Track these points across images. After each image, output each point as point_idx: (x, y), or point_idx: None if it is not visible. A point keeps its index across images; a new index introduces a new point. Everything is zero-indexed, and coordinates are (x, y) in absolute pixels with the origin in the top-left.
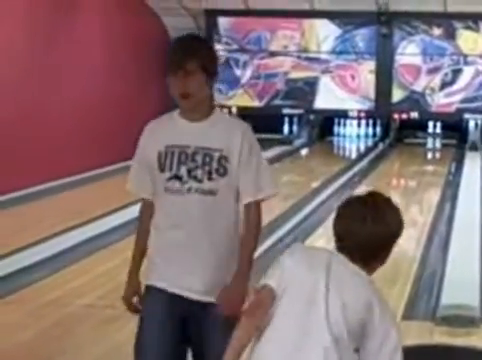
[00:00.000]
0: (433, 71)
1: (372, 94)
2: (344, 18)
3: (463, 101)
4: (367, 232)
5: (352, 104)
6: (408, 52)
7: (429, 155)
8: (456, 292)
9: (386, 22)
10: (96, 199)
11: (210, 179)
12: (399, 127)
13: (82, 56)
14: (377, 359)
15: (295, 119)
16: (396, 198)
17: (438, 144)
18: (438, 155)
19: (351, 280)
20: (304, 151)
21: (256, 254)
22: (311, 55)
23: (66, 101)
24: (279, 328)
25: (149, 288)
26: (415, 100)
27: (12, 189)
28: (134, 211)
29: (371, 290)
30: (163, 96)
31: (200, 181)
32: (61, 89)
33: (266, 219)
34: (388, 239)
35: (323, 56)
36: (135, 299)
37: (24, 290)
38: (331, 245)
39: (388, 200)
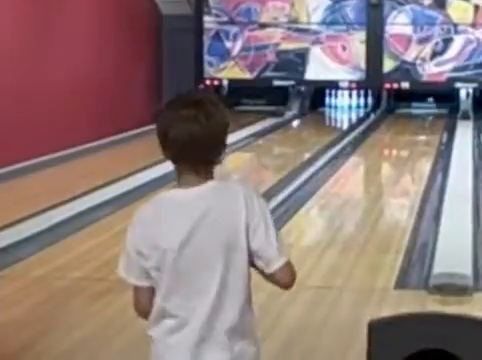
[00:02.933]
0: (424, 41)
1: (363, 65)
2: None
3: (454, 70)
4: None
5: (343, 75)
6: (398, 22)
7: (421, 125)
8: (448, 261)
9: None
10: (83, 175)
11: None
12: (389, 97)
13: (70, 33)
14: None
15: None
16: (388, 168)
17: (430, 114)
18: (430, 125)
19: None
20: (296, 122)
21: None
22: (301, 26)
23: (54, 79)
24: None
25: None
26: (406, 70)
27: None
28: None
29: None
30: (151, 73)
31: None
32: (50, 67)
33: (258, 191)
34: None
35: (313, 27)
36: None
37: (14, 266)
38: (325, 214)
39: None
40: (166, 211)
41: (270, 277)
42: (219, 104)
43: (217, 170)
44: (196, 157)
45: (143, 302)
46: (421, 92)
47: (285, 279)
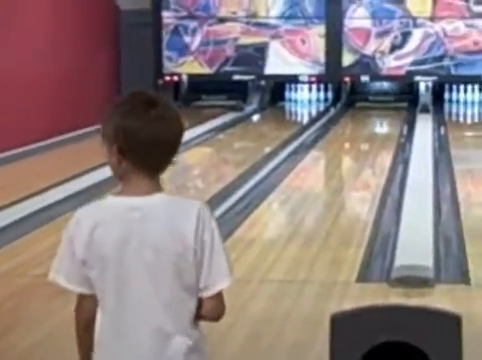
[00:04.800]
0: (383, 34)
1: (322, 58)
2: None
3: (413, 64)
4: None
5: (303, 69)
6: (357, 16)
7: (380, 118)
8: (410, 253)
9: None
10: (40, 172)
11: None
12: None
13: (25, 25)
14: None
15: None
16: (349, 162)
17: (389, 107)
18: (389, 118)
19: None
20: (256, 117)
21: None
22: (260, 20)
23: (9, 70)
24: None
25: None
26: (365, 63)
27: None
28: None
29: None
30: (109, 68)
31: None
32: (2, 61)
33: (219, 186)
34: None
35: (272, 21)
36: None
37: None
38: (286, 208)
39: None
40: (106, 220)
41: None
42: (174, 107)
43: (175, 167)
44: (158, 162)
45: (87, 311)
46: (380, 85)
47: (216, 311)
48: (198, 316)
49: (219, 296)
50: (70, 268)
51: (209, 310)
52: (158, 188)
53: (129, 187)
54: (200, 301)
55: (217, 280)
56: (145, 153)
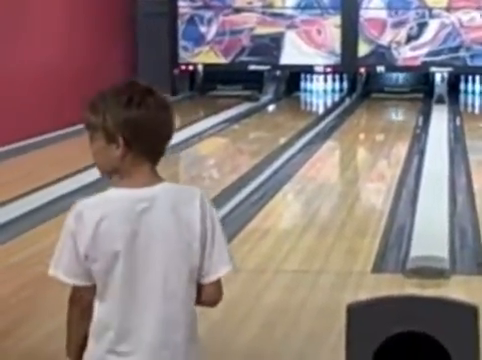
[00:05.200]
0: (398, 25)
1: (338, 49)
2: None
3: (429, 54)
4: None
5: (318, 59)
6: (373, 6)
7: (396, 109)
8: (425, 244)
9: None
10: (55, 162)
11: None
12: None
13: (42, 19)
14: None
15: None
16: (364, 152)
17: (405, 98)
18: (405, 109)
19: None
20: (271, 107)
21: (224, 212)
22: (276, 10)
23: (25, 65)
24: None
25: None
26: (381, 54)
27: None
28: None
29: None
30: (125, 58)
31: None
32: (20, 52)
33: (234, 176)
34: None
35: (288, 11)
36: None
37: None
38: (301, 198)
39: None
40: (112, 213)
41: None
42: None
43: (190, 157)
44: (160, 151)
45: (87, 301)
46: (396, 76)
47: (215, 296)
48: (197, 302)
49: (219, 282)
50: (70, 262)
51: (209, 296)
52: (159, 177)
53: (131, 179)
54: (199, 287)
55: (219, 266)
56: (151, 143)
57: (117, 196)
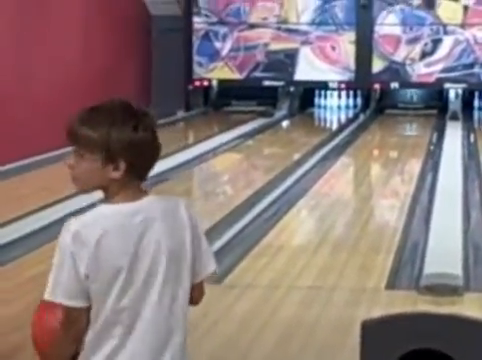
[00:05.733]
0: (413, 41)
1: (352, 65)
2: None
3: (443, 71)
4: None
5: (332, 75)
6: (388, 22)
7: (410, 125)
8: (439, 261)
9: None
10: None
11: None
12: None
13: (58, 31)
14: None
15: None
16: (378, 169)
17: (419, 114)
18: (419, 125)
19: None
20: (285, 123)
21: (239, 227)
22: (291, 26)
23: (41, 79)
24: None
25: None
26: (395, 70)
27: None
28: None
29: None
30: (140, 73)
31: None
32: (36, 68)
33: (248, 192)
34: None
35: (303, 27)
36: None
37: (7, 265)
38: (315, 214)
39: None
40: (112, 228)
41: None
42: None
43: (204, 172)
44: (150, 170)
45: (83, 322)
46: (410, 92)
47: (199, 295)
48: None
49: (202, 282)
50: (69, 284)
51: (198, 295)
52: (143, 191)
53: (120, 195)
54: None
55: (207, 265)
56: (147, 165)
57: (112, 212)
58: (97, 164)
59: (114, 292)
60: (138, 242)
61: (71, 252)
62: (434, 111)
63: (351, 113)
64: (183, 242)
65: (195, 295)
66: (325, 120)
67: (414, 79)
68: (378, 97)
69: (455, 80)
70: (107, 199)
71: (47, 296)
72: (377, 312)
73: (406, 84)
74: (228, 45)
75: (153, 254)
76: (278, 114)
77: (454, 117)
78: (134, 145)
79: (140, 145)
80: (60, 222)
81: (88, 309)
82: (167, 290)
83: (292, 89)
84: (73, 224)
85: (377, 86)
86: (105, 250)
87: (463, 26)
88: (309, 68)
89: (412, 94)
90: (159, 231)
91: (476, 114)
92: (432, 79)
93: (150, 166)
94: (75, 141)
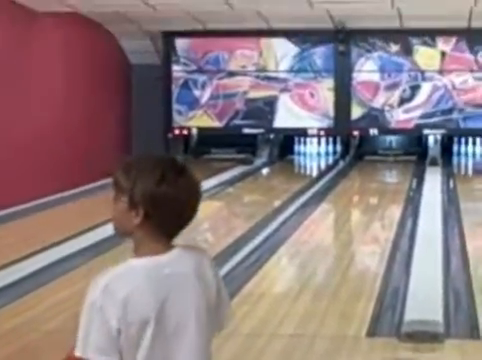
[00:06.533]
0: (391, 87)
1: (331, 112)
2: (302, 36)
3: (422, 117)
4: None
5: (311, 122)
6: (366, 69)
7: (389, 172)
8: (420, 308)
9: (343, 40)
10: (53, 225)
11: None
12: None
13: (39, 82)
14: None
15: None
16: (358, 215)
17: (398, 160)
18: (398, 171)
19: None
20: (265, 170)
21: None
22: (270, 74)
23: (23, 130)
24: None
25: None
26: (374, 117)
27: None
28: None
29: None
30: (121, 122)
31: None
32: (18, 119)
33: (229, 240)
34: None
35: (281, 75)
36: None
37: None
38: (296, 261)
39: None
40: (140, 282)
41: None
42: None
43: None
44: (180, 228)
45: None
46: (389, 138)
47: None
48: None
49: None
50: (100, 339)
51: None
52: (171, 245)
53: (147, 248)
54: None
55: (229, 315)
56: (170, 221)
57: (140, 264)
58: (124, 207)
59: (145, 344)
60: (166, 295)
61: (101, 306)
62: (413, 157)
63: (331, 160)
64: (211, 294)
65: None
66: (305, 167)
67: (393, 125)
68: (357, 144)
69: (434, 126)
70: (135, 251)
71: (77, 353)
72: None
73: (385, 130)
74: (207, 93)
75: (183, 308)
76: (258, 161)
77: (433, 163)
78: (154, 197)
79: (161, 199)
80: (42, 271)
81: None
82: (197, 344)
83: (272, 136)
84: (101, 279)
85: (356, 133)
86: (134, 303)
87: (441, 72)
88: (288, 115)
89: (391, 140)
90: (188, 284)
91: (455, 159)
92: (411, 125)
93: (177, 223)
94: (113, 183)
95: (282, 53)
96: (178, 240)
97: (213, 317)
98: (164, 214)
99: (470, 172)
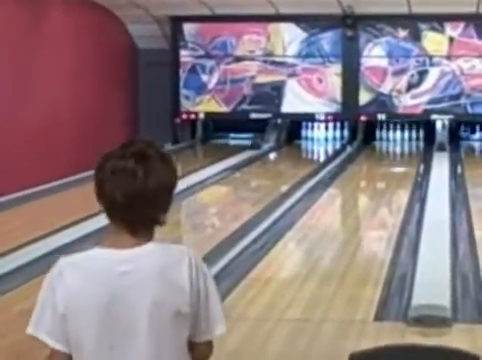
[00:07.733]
0: (399, 73)
1: (339, 97)
2: (309, 21)
3: (430, 102)
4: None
5: (319, 107)
6: (374, 54)
7: (397, 157)
8: (427, 292)
9: (351, 25)
10: (63, 209)
11: None
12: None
13: (48, 66)
14: None
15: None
16: (365, 200)
17: (406, 146)
18: (406, 157)
19: None
20: (272, 155)
21: (227, 260)
22: (277, 59)
23: (33, 114)
24: None
25: None
26: (382, 102)
27: None
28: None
29: None
30: (128, 107)
31: None
32: (29, 102)
33: (236, 224)
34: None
35: (289, 60)
36: None
37: None
38: (303, 246)
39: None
40: (90, 273)
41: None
42: (168, 159)
43: (192, 205)
44: (131, 216)
45: None
46: (397, 124)
47: (207, 353)
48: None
49: (211, 340)
50: (52, 322)
51: (202, 354)
52: (146, 238)
53: (115, 239)
54: (192, 344)
55: (214, 326)
56: (117, 208)
57: (98, 255)
58: None
59: (89, 340)
60: (114, 292)
61: (53, 288)
62: (421, 142)
63: (338, 145)
64: (179, 300)
65: (200, 352)
66: (312, 152)
67: (401, 111)
68: (365, 129)
69: (442, 111)
70: (104, 241)
71: (29, 329)
72: (365, 344)
73: (393, 116)
74: (215, 78)
75: (133, 308)
76: (265, 146)
77: (441, 148)
78: (96, 185)
79: (98, 186)
80: (49, 256)
81: (70, 358)
82: (148, 349)
83: (279, 121)
84: (61, 262)
85: (364, 118)
86: (80, 293)
87: (449, 57)
88: (296, 100)
89: (399, 126)
90: (146, 285)
91: (463, 145)
92: (419, 111)
93: (127, 213)
94: None
95: (290, 38)
96: (185, 225)
97: (186, 323)
98: (106, 202)
99: (478, 157)
